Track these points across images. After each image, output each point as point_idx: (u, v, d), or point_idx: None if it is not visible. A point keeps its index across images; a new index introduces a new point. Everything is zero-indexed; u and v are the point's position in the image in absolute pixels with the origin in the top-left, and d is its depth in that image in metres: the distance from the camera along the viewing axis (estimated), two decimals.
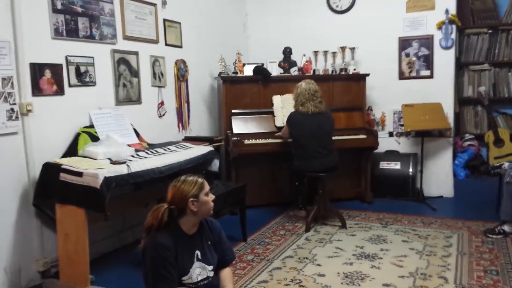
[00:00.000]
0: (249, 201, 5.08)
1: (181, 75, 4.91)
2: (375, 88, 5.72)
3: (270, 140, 4.94)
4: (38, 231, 3.34)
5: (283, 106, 5.12)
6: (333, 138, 4.82)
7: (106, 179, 2.98)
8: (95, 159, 3.33)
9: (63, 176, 3.08)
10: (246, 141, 4.88)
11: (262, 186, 5.21)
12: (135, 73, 4.26)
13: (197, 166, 4.03)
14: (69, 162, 3.19)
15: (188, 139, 4.89)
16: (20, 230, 3.22)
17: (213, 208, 2.52)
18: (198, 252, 2.45)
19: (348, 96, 5.42)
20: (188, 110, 5.07)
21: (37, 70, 3.29)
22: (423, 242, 4.00)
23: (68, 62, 3.53)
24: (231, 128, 5.04)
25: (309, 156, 4.39)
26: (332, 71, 5.49)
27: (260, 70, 5.14)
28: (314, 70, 5.45)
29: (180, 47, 4.93)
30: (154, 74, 4.52)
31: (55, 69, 3.43)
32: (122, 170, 3.15)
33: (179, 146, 4.19)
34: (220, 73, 5.16)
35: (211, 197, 2.51)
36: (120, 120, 3.98)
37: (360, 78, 5.41)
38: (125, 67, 4.14)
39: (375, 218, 4.76)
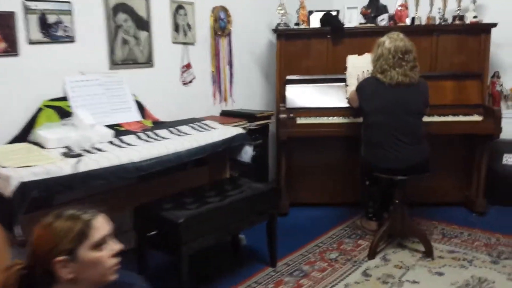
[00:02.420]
0: (307, 198, 3.87)
1: (221, 28, 3.69)
2: (506, 45, 3.91)
3: (334, 119, 3.55)
4: None
5: (361, 71, 3.64)
6: (431, 119, 3.35)
7: (22, 185, 1.99)
8: (45, 148, 2.36)
9: None
10: (299, 120, 3.56)
11: (325, 180, 3.87)
12: (143, 25, 3.16)
13: (212, 156, 2.89)
14: None
15: (226, 114, 3.73)
16: None
17: (115, 268, 1.37)
18: None
19: (461, 56, 3.72)
20: (231, 75, 3.87)
21: None
22: None
23: (26, 9, 2.56)
24: (285, 101, 3.75)
25: (382, 144, 2.95)
26: (440, 20, 3.80)
27: (328, 20, 3.69)
28: (413, 19, 3.82)
29: None
30: (176, 26, 3.38)
31: (3, 19, 2.48)
32: (61, 169, 2.13)
33: (201, 125, 3.07)
34: (278, 25, 3.83)
35: (111, 249, 1.36)
36: (114, 90, 2.95)
37: (482, 31, 3.65)
38: (126, 17, 3.06)
39: (483, 243, 3.18)
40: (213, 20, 3.62)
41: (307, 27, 3.78)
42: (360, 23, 3.81)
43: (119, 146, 2.49)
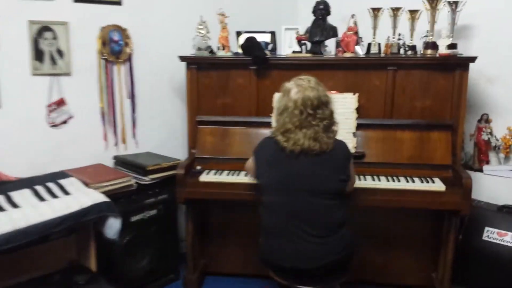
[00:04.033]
0: (227, 267, 3.07)
1: (113, 53, 2.89)
2: (498, 80, 2.94)
3: (245, 179, 2.68)
4: None
5: None
6: (374, 184, 2.55)
7: None
8: None
9: None
10: (204, 177, 2.71)
11: (251, 244, 3.01)
12: None
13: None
14: None
15: (120, 162, 2.94)
16: None
17: None
18: None
19: (427, 99, 2.77)
20: (133, 111, 3.07)
21: None
22: None
23: None
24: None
25: (279, 234, 2.09)
26: (401, 48, 2.86)
27: (248, 47, 2.81)
28: (369, 46, 2.90)
29: (116, 2, 2.89)
30: (39, 53, 2.61)
31: None
32: None
33: (51, 188, 2.33)
34: (198, 49, 2.97)
35: None
36: None
37: (458, 65, 2.68)
38: None
39: None
40: (100, 43, 2.82)
41: (226, 54, 2.92)
42: (294, 51, 2.91)
43: None
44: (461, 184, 2.49)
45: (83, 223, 2.29)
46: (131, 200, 2.77)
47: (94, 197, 2.35)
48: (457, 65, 2.67)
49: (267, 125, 2.78)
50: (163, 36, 3.09)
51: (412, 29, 2.87)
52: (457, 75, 2.68)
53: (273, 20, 3.25)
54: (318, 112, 2.04)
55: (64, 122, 2.76)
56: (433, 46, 2.79)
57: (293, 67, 2.82)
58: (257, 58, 2.74)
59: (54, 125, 2.72)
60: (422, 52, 2.85)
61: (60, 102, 2.72)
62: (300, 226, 2.04)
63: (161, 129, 3.23)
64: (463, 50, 2.84)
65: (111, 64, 2.90)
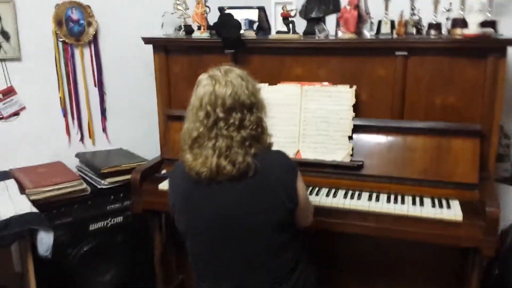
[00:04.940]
0: None
1: (73, 35, 2.49)
2: None
3: None
4: None
5: (278, 113, 2.21)
6: (368, 206, 1.98)
7: None
8: None
9: None
10: (164, 185, 2.25)
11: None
12: None
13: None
14: None
15: (83, 160, 2.57)
16: None
17: None
18: None
19: (449, 93, 2.08)
20: (101, 101, 2.68)
21: None
22: None
23: None
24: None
25: (211, 280, 1.59)
26: (416, 27, 2.18)
27: (220, 25, 2.27)
28: (379, 24, 2.26)
29: None
30: None
31: None
32: None
33: None
34: (178, 28, 2.50)
35: None
36: None
37: (492, 50, 1.96)
38: None
39: None
40: (55, 23, 2.43)
41: (202, 35, 2.40)
42: (278, 32, 2.32)
43: None
44: (483, 215, 1.83)
45: (3, 238, 1.95)
46: (88, 206, 2.41)
47: (19, 206, 1.99)
48: (490, 50, 1.96)
49: None
50: (135, 14, 2.65)
51: (437, 2, 2.18)
52: (490, 63, 1.97)
53: None
54: (233, 117, 1.46)
55: (16, 114, 2.42)
56: (464, 23, 2.09)
57: (278, 51, 2.27)
58: (226, 40, 2.20)
59: (2, 118, 2.39)
60: (449, 32, 2.16)
61: (8, 91, 2.38)
62: (240, 280, 1.53)
63: (137, 123, 2.82)
64: (504, 30, 2.12)
65: (72, 48, 2.51)
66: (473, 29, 2.00)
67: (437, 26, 2.18)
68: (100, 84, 2.63)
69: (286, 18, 2.25)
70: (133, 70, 2.74)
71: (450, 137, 2.05)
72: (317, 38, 2.21)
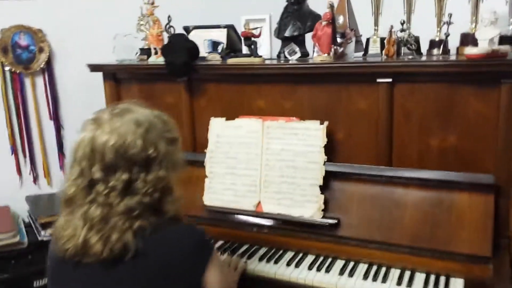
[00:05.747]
0: None
1: (20, 62, 2.22)
2: None
3: None
4: None
5: (232, 150, 1.80)
6: (332, 282, 1.49)
7: None
8: None
9: None
10: None
11: None
12: None
13: None
14: None
15: (32, 207, 2.27)
16: None
17: None
18: None
19: (449, 132, 1.56)
20: (58, 137, 2.37)
21: None
22: None
23: None
24: None
25: None
26: (408, 45, 1.68)
27: (166, 49, 1.89)
28: (367, 42, 1.79)
29: None
30: None
31: None
32: None
33: None
34: (140, 50, 2.17)
35: None
36: None
37: (505, 75, 1.43)
38: None
39: None
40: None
41: (157, 60, 2.03)
42: (234, 55, 1.90)
43: None
44: None
45: None
46: (29, 261, 2.09)
47: None
48: (505, 74, 1.43)
49: (198, 164, 1.85)
50: (94, 37, 2.34)
51: (440, 13, 1.68)
52: (505, 92, 1.44)
53: (240, 9, 2.26)
54: (115, 178, 1.06)
55: None
56: (475, 40, 1.58)
57: (237, 79, 1.85)
58: (170, 65, 1.82)
59: None
60: (457, 51, 1.66)
61: None
62: None
63: None
64: None
65: (21, 76, 2.24)
66: (482, 47, 1.48)
67: (439, 44, 1.68)
68: (56, 116, 2.34)
69: (248, 38, 1.84)
70: (94, 100, 2.41)
71: (453, 191, 1.53)
72: (282, 61, 1.77)
